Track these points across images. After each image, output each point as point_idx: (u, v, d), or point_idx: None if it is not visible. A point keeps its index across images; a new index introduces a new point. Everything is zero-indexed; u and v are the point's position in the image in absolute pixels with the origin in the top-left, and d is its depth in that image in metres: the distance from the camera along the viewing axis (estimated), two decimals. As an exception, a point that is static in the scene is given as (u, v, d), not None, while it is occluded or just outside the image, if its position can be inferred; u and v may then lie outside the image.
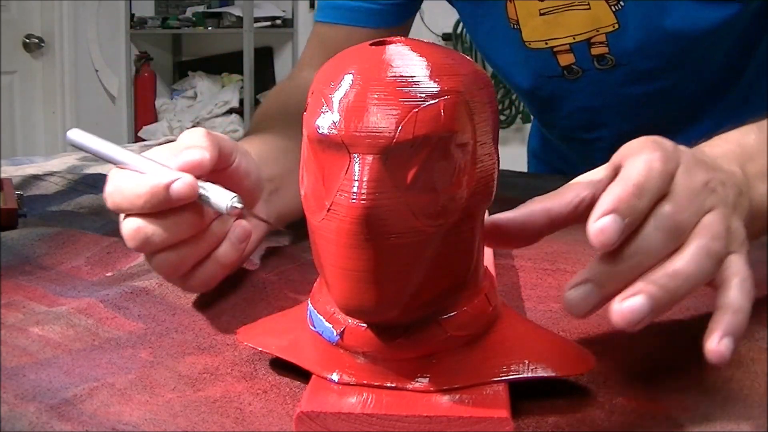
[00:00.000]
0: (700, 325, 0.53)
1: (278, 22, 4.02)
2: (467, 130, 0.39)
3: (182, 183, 0.49)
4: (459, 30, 3.48)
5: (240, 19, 3.86)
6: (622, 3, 0.87)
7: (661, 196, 0.43)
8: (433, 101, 0.38)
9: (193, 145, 0.52)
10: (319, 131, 0.39)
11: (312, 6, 3.95)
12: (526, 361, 0.42)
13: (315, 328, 0.44)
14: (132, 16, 4.02)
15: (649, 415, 0.41)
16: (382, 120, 0.37)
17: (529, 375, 0.42)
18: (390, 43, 0.40)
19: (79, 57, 3.80)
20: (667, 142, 0.47)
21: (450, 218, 0.39)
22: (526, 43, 0.93)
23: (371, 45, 0.41)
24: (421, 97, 0.38)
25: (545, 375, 0.42)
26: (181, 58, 4.33)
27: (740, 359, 0.48)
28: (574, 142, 1.07)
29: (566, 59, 0.93)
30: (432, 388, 0.41)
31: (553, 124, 1.08)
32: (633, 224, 0.42)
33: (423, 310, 0.41)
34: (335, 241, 0.38)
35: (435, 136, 0.38)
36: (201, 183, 0.50)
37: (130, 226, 0.50)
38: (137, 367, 0.47)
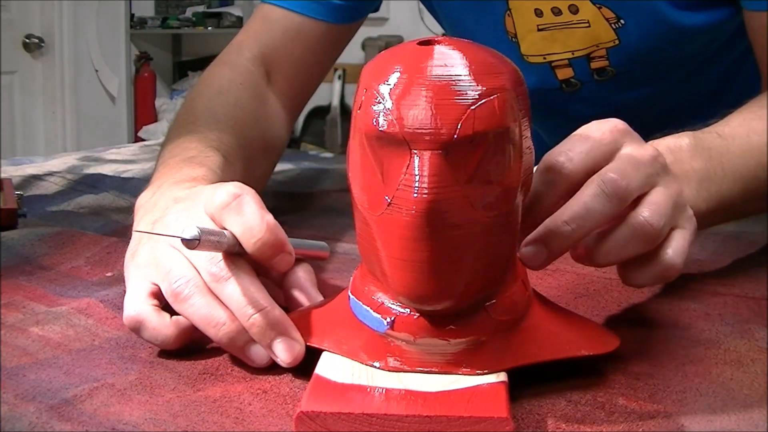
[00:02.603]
0: (701, 325, 0.53)
1: (278, 22, 4.02)
2: (516, 125, 0.42)
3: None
4: (459, 30, 3.48)
5: (240, 19, 3.86)
6: (622, 21, 0.86)
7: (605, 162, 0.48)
8: (487, 98, 0.40)
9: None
10: (380, 129, 0.40)
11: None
12: (562, 343, 0.44)
13: (360, 319, 0.45)
14: (132, 16, 4.02)
15: (649, 415, 0.41)
16: (442, 117, 0.39)
17: (566, 355, 0.44)
18: (437, 43, 0.42)
19: (79, 57, 3.80)
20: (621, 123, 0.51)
21: (504, 209, 0.42)
22: (525, 57, 0.93)
23: (419, 44, 0.42)
24: (476, 95, 0.40)
25: (579, 354, 0.44)
26: (181, 58, 4.33)
27: (740, 359, 0.48)
28: None
29: (565, 73, 0.93)
30: (479, 371, 0.42)
31: (549, 130, 1.08)
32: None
33: (474, 297, 0.43)
34: (397, 234, 0.40)
35: (491, 131, 0.40)
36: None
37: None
38: (137, 367, 0.47)
